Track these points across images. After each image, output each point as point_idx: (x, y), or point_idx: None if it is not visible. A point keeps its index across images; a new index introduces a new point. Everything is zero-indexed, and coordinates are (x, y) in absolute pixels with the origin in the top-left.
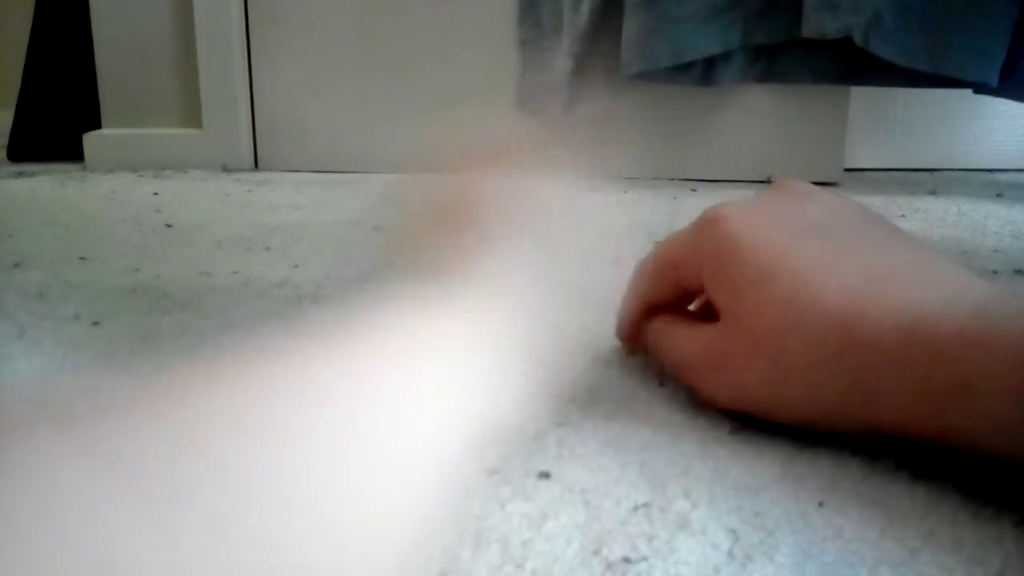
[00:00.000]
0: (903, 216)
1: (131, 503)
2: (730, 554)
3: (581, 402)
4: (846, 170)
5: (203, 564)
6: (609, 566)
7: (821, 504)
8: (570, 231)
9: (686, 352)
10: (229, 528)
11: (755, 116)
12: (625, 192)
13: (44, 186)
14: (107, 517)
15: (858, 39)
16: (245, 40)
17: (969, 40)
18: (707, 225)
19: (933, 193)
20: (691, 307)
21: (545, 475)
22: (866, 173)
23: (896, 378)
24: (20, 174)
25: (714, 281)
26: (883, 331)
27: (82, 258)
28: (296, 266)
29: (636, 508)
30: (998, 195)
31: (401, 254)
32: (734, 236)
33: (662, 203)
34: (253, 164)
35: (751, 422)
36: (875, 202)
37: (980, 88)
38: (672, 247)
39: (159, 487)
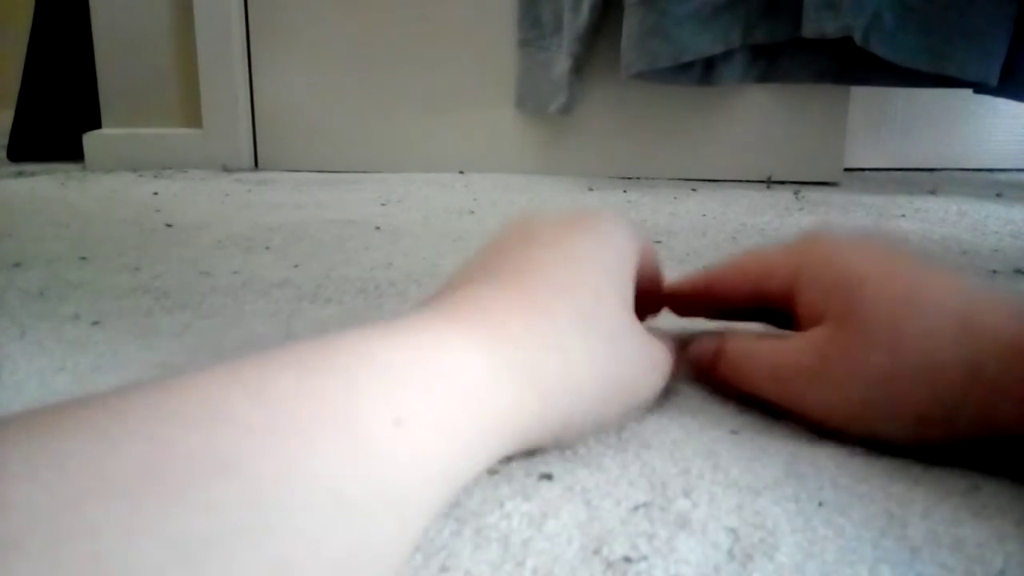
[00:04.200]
0: (903, 216)
1: None
2: (730, 553)
3: None
4: (846, 170)
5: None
6: (610, 565)
7: (821, 504)
8: None
9: (782, 363)
10: (224, 523)
11: (755, 116)
12: (625, 192)
13: (44, 186)
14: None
15: (858, 39)
16: (245, 40)
17: (969, 40)
18: (809, 239)
19: (933, 193)
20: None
21: (547, 476)
22: (866, 173)
23: (1014, 371)
24: (20, 174)
25: (815, 287)
26: (999, 326)
27: (82, 258)
28: (296, 266)
29: (636, 508)
30: (998, 195)
31: (401, 254)
32: (842, 246)
33: (662, 203)
34: (253, 164)
35: (751, 422)
36: (875, 201)
37: (980, 88)
38: (763, 253)
39: None
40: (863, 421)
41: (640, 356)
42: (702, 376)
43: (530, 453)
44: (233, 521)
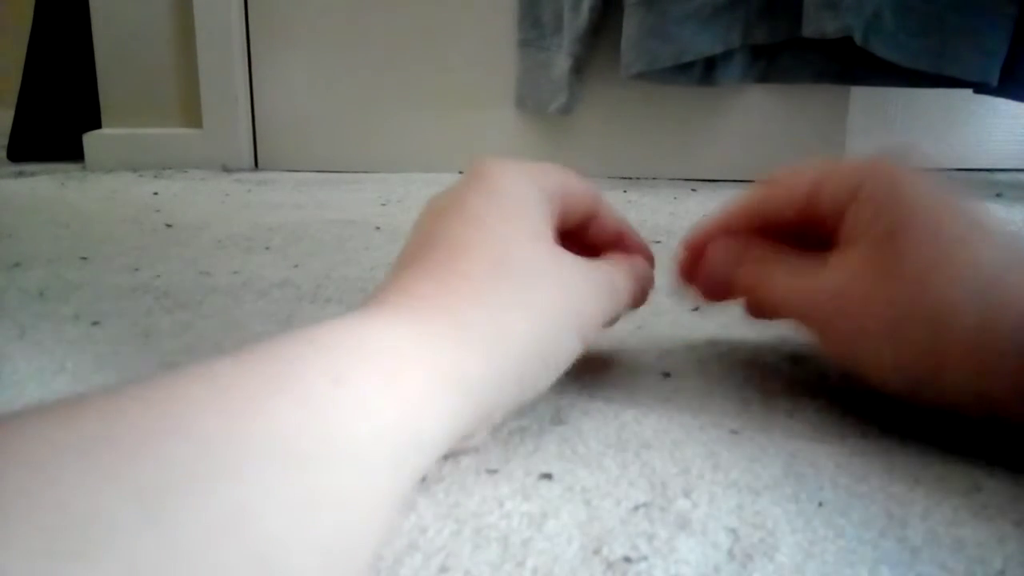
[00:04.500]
0: None
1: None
2: (730, 554)
3: (581, 402)
4: None
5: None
6: (610, 565)
7: (821, 504)
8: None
9: (804, 286)
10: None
11: (755, 116)
12: (625, 192)
13: (44, 186)
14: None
15: (858, 39)
16: (245, 40)
17: (969, 40)
18: (881, 159)
19: None
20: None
21: (547, 476)
22: None
23: None
24: (20, 174)
25: (870, 203)
26: (1022, 292)
27: (82, 258)
28: (296, 266)
29: (636, 508)
30: (998, 195)
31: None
32: (912, 178)
33: (662, 203)
34: (253, 164)
35: (752, 422)
36: None
37: (980, 88)
38: (824, 165)
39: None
40: (865, 359)
41: (574, 284)
42: (689, 253)
43: (530, 452)
44: (184, 472)
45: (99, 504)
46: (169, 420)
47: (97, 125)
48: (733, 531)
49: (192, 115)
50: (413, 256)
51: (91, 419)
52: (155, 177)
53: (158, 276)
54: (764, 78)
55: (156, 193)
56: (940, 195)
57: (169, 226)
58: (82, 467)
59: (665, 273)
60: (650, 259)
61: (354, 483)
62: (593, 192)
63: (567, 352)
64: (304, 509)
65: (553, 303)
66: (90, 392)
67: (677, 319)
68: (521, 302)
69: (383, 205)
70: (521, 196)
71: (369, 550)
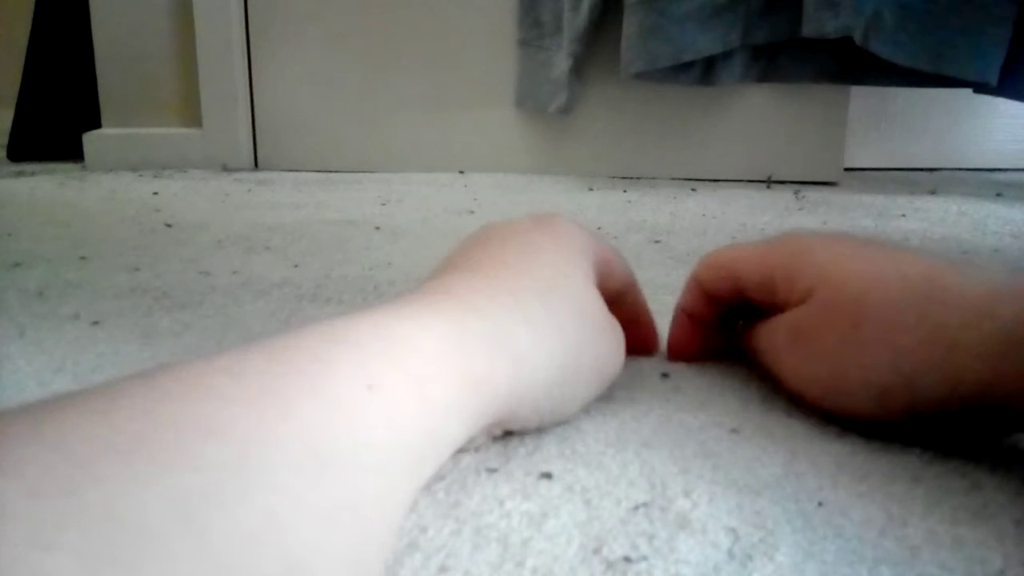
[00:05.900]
0: (903, 215)
1: None
2: (730, 553)
3: None
4: (846, 169)
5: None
6: (609, 565)
7: (821, 504)
8: None
9: (766, 338)
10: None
11: (755, 116)
12: (625, 192)
13: (44, 186)
14: None
15: (858, 38)
16: (245, 40)
17: (969, 40)
18: (781, 240)
19: (933, 192)
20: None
21: (546, 475)
22: (866, 172)
23: (978, 328)
24: (20, 174)
25: (788, 277)
26: (965, 288)
27: (82, 258)
28: (296, 266)
29: (636, 507)
30: (998, 195)
31: (401, 254)
32: (811, 241)
33: (662, 203)
34: (253, 164)
35: (751, 422)
36: (875, 201)
37: (980, 88)
38: (737, 252)
39: None
40: (832, 394)
41: (606, 328)
42: (679, 347)
43: (530, 452)
44: (219, 478)
45: (142, 509)
46: (203, 420)
47: (97, 125)
48: (733, 531)
49: (192, 115)
50: (458, 265)
51: (126, 416)
52: (155, 177)
53: (158, 276)
54: (764, 78)
55: (156, 193)
56: (847, 244)
57: (169, 226)
58: (123, 468)
59: (665, 270)
60: (652, 349)
61: (378, 491)
62: (630, 271)
63: (586, 385)
64: (331, 517)
65: (586, 336)
66: (115, 381)
67: None
68: (558, 326)
69: (383, 205)
70: (579, 244)
71: (385, 555)
